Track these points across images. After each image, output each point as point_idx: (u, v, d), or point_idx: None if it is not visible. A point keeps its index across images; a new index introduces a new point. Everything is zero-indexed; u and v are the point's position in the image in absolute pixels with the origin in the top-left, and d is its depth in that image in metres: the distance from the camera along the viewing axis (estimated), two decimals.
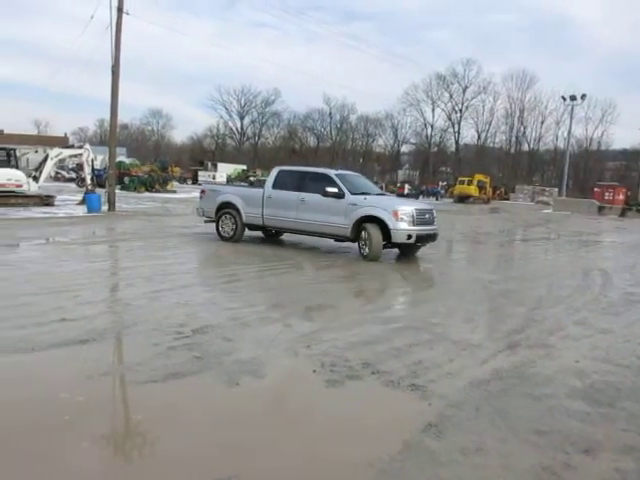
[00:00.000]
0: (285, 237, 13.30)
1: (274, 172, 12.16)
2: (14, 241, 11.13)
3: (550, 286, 8.89)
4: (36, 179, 19.74)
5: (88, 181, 20.53)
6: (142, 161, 59.31)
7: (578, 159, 68.71)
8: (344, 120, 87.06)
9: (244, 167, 65.06)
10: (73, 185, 35.13)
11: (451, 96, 78.00)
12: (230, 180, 49.88)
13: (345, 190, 10.78)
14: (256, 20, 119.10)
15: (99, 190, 20.50)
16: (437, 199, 50.59)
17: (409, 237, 10.22)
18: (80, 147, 21.98)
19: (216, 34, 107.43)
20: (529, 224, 25.36)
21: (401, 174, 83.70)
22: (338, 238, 11.10)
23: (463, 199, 46.72)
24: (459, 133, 79.44)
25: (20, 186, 19.12)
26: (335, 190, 10.72)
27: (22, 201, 18.91)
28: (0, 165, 19.41)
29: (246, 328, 5.38)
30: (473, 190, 47.86)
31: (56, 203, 19.96)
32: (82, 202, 19.55)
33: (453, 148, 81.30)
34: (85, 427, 3.23)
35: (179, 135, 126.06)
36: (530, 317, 6.48)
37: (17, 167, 20.40)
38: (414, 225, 10.27)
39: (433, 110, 79.21)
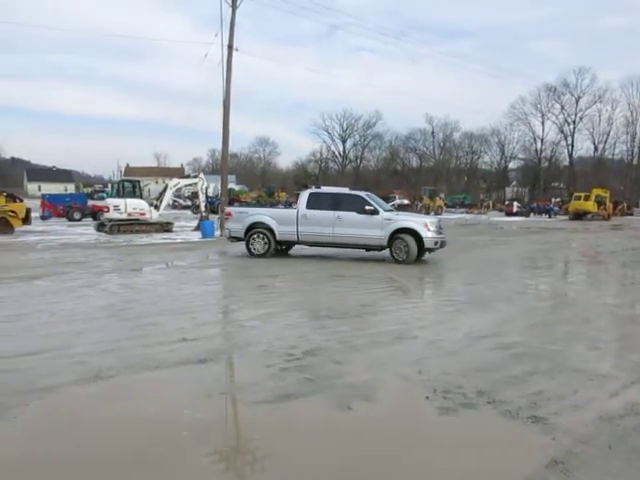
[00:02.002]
0: (294, 251, 14.07)
1: (306, 194, 13.38)
2: (139, 265, 12.13)
3: None
4: (157, 207, 21.47)
5: (202, 208, 21.95)
6: (250, 187, 62.44)
7: None
8: (447, 138, 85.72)
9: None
10: (189, 212, 37.66)
11: (563, 107, 73.71)
12: None
13: (379, 208, 12.71)
14: (356, 45, 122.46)
15: (212, 216, 21.75)
16: (550, 217, 47.62)
17: (436, 243, 12.37)
18: (195, 177, 23.45)
19: (318, 62, 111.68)
20: None
21: (509, 191, 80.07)
22: (371, 248, 12.81)
23: (579, 216, 43.54)
24: (573, 146, 74.77)
25: (143, 214, 20.94)
26: (372, 208, 12.59)
27: (145, 228, 20.69)
28: (127, 195, 21.46)
29: (355, 351, 5.38)
30: (591, 206, 44.47)
31: (174, 229, 21.56)
32: (197, 228, 20.92)
33: (566, 162, 76.56)
34: (205, 442, 3.39)
35: (284, 161, 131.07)
36: None
37: (141, 197, 22.47)
38: (438, 234, 12.39)
39: (543, 123, 75.50)
